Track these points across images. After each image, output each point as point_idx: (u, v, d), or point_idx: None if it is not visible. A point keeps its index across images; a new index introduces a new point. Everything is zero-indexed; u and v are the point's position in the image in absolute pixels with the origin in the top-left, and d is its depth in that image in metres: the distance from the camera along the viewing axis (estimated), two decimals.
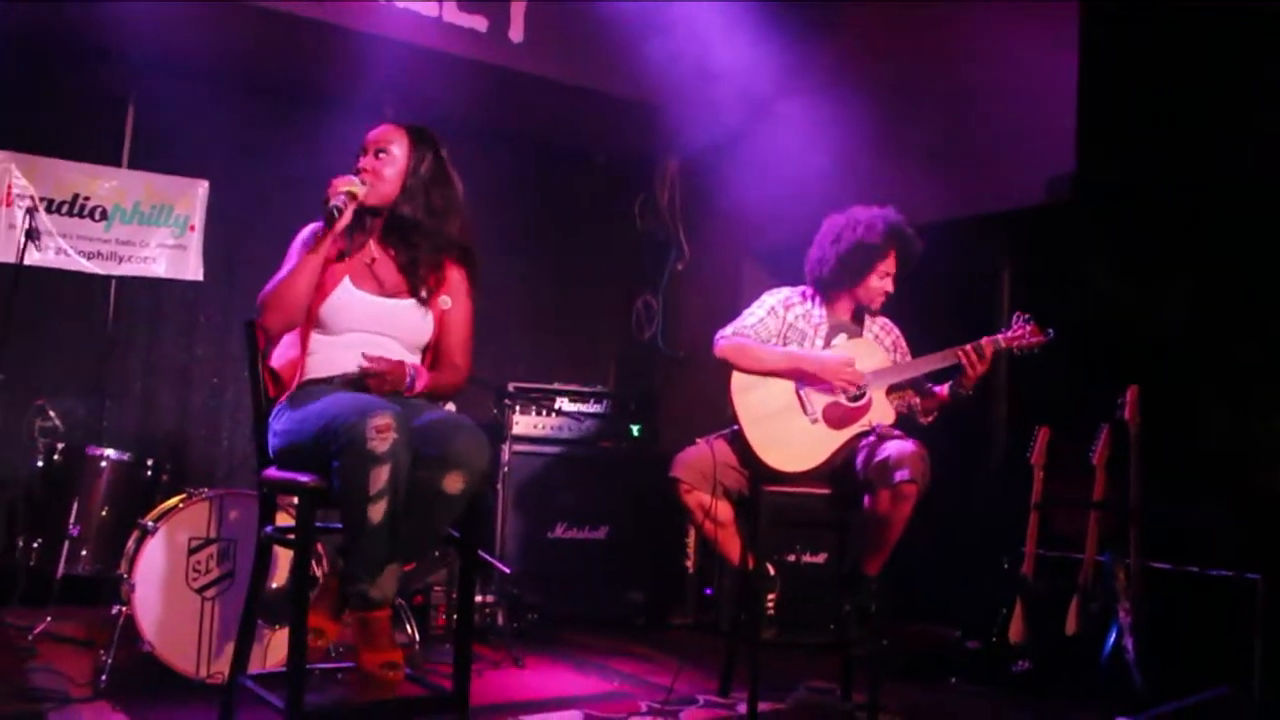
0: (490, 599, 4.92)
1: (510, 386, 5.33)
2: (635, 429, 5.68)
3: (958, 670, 4.45)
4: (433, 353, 3.13)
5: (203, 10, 4.74)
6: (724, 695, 4.09)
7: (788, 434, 3.82)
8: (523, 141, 6.26)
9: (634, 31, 5.36)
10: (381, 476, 2.52)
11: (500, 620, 4.83)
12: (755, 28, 5.37)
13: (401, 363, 2.93)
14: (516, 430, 5.32)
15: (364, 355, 2.89)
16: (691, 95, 5.59)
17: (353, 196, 2.92)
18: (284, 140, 5.59)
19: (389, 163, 3.03)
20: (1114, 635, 3.98)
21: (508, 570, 4.86)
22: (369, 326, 2.98)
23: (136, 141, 5.48)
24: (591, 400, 5.61)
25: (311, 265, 2.90)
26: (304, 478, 2.63)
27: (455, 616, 4.78)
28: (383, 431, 2.51)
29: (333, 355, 2.95)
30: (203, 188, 5.57)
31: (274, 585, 3.78)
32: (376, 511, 2.53)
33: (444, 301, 3.08)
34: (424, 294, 3.04)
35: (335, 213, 2.90)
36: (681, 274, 6.47)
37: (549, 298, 6.47)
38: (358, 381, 2.87)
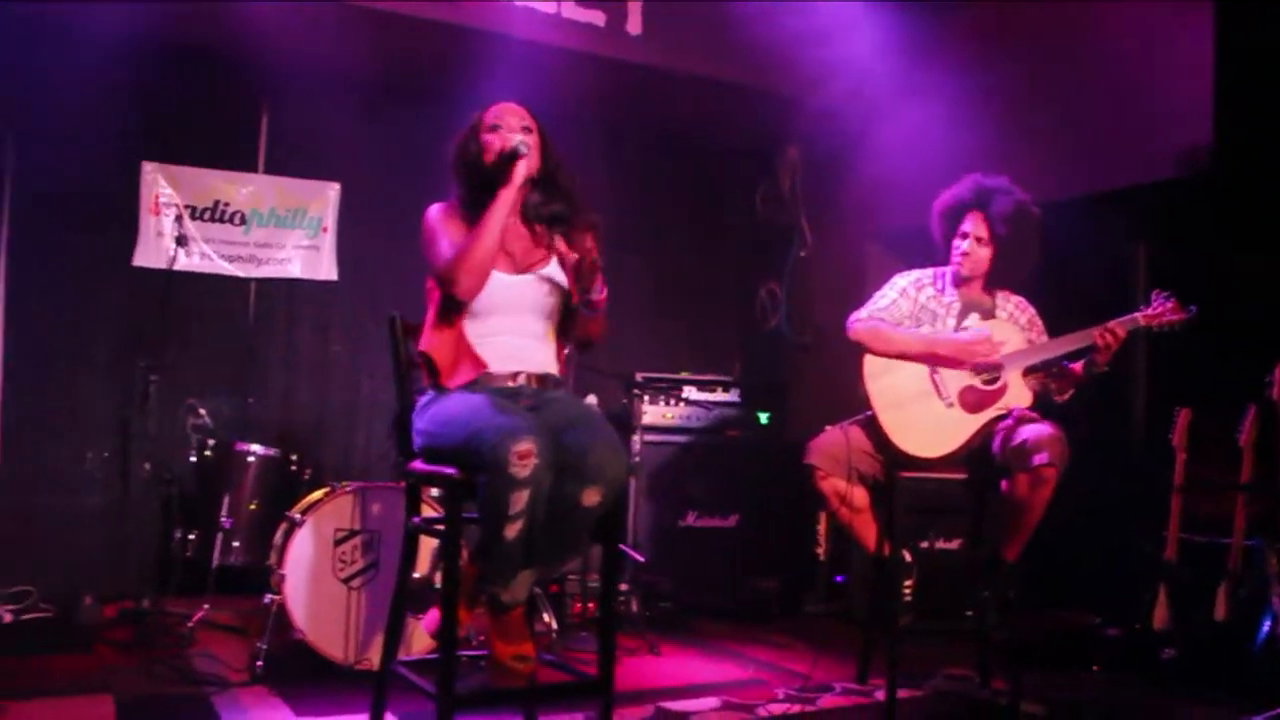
0: (624, 587, 4.98)
1: (638, 376, 5.37)
2: (763, 417, 5.68)
3: (1099, 658, 4.36)
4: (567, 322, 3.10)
5: (332, 19, 4.87)
6: (861, 682, 4.07)
7: (923, 419, 3.78)
8: (641, 134, 6.30)
9: (752, 18, 5.35)
10: (521, 499, 2.54)
11: (634, 608, 4.88)
12: (876, 9, 5.31)
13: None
14: (646, 420, 5.36)
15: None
16: (812, 80, 5.56)
17: (526, 145, 2.90)
18: (410, 140, 5.69)
19: (534, 137, 3.00)
20: (1268, 623, 3.85)
21: (642, 559, 4.92)
22: (511, 308, 2.97)
23: (271, 148, 5.66)
24: (719, 389, 5.63)
25: (499, 214, 2.86)
26: (450, 470, 2.69)
27: (591, 605, 4.92)
28: (525, 458, 2.52)
29: (481, 347, 2.95)
30: (334, 190, 5.72)
31: (413, 575, 3.88)
32: (512, 530, 2.57)
33: (572, 257, 3.00)
34: (559, 257, 3.02)
35: (523, 148, 2.87)
36: (805, 261, 6.42)
37: (672, 288, 6.49)
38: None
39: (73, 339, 5.24)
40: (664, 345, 6.27)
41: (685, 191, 6.59)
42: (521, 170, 2.89)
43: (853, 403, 3.94)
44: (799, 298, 6.47)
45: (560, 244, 3.01)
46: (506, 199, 2.87)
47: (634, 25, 5.43)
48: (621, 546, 4.65)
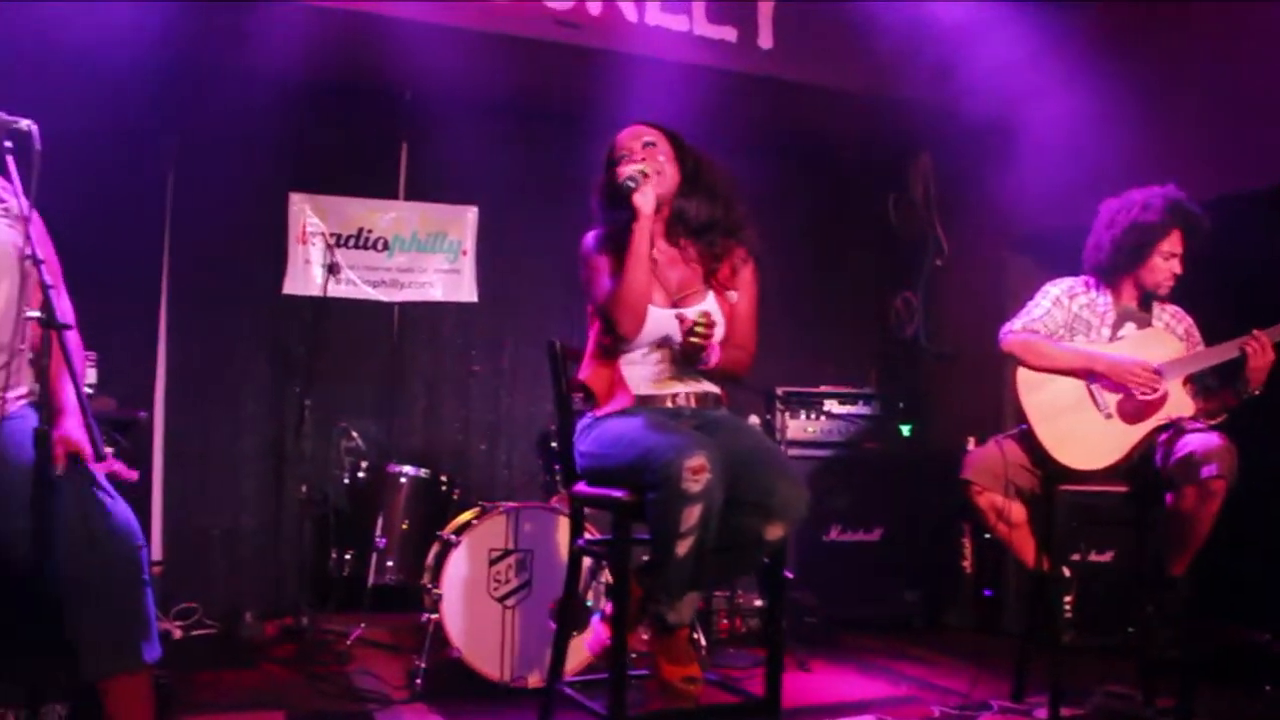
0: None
1: (779, 391, 5.36)
2: (905, 429, 5.62)
3: (1270, 676, 4.19)
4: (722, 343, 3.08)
5: (470, 49, 4.97)
6: (1018, 700, 3.98)
7: (1081, 431, 3.69)
8: (772, 146, 6.27)
9: (883, 26, 5.30)
10: (693, 515, 2.54)
11: (785, 625, 4.84)
12: (1010, 10, 5.22)
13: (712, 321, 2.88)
14: (789, 435, 5.35)
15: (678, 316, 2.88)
16: (944, 86, 5.49)
17: (644, 174, 2.90)
18: (546, 163, 5.80)
19: (659, 153, 3.01)
20: None
21: (789, 575, 4.89)
22: (663, 338, 2.97)
23: (411, 175, 5.80)
24: (860, 402, 5.59)
25: (642, 256, 2.86)
26: (617, 493, 2.71)
27: (739, 621, 4.92)
28: (697, 472, 2.52)
29: (633, 373, 2.98)
30: (472, 213, 5.83)
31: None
32: (684, 547, 2.56)
33: (731, 296, 3.05)
34: (714, 290, 3.03)
35: (630, 185, 2.86)
36: (941, 269, 6.33)
37: (806, 300, 6.45)
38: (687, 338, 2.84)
39: (228, 365, 5.43)
40: (800, 358, 6.23)
41: (817, 202, 6.54)
42: (644, 200, 2.88)
43: (996, 413, 3.88)
44: (936, 307, 6.38)
45: (720, 270, 3.01)
46: (640, 233, 2.88)
47: (765, 39, 5.42)
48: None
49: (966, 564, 5.59)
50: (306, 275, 5.53)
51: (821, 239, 6.59)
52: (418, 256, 5.74)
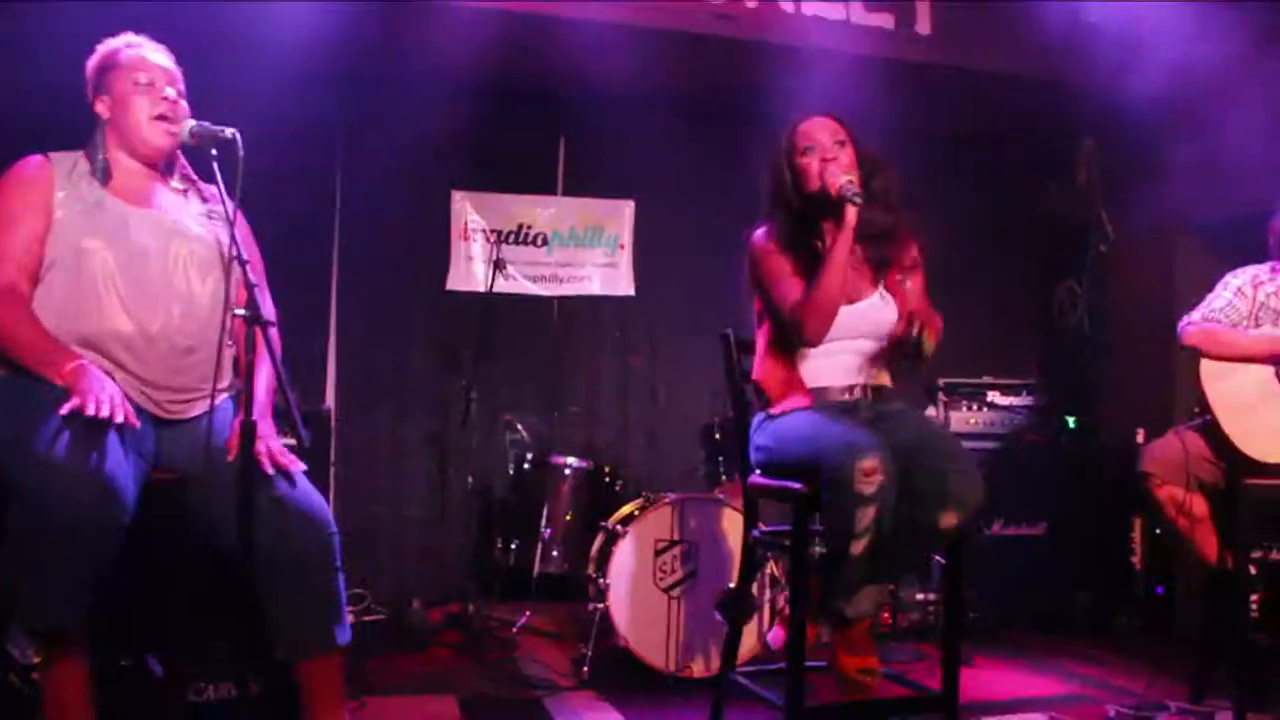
0: (932, 597, 4.90)
1: (940, 382, 5.27)
2: (1070, 421, 5.47)
3: None
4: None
5: (627, 44, 5.01)
6: (1196, 702, 3.84)
7: (1270, 422, 3.53)
8: (930, 133, 6.17)
9: (1044, 9, 5.16)
10: (867, 516, 2.52)
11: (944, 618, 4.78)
12: None
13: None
14: (950, 427, 5.26)
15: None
16: (1110, 67, 5.31)
17: (859, 195, 2.82)
18: (702, 155, 5.81)
19: (846, 153, 2.94)
20: None
21: (942, 562, 4.81)
22: (843, 334, 2.93)
23: (569, 171, 5.90)
24: (1023, 393, 5.46)
25: (841, 264, 2.81)
26: (794, 485, 2.71)
27: (901, 615, 4.87)
28: (870, 474, 2.50)
29: (807, 367, 2.98)
30: (629, 208, 5.89)
31: (729, 585, 3.95)
32: (858, 546, 2.54)
33: (901, 282, 3.01)
34: (887, 286, 3.00)
35: (856, 200, 2.79)
36: (1105, 256, 6.14)
37: (966, 289, 6.32)
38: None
39: (395, 359, 5.61)
40: (960, 348, 6.11)
41: (976, 189, 6.41)
42: (853, 214, 2.82)
43: (1167, 404, 3.75)
44: (1100, 295, 6.19)
45: (890, 272, 2.99)
46: (844, 243, 2.81)
47: (923, 25, 5.34)
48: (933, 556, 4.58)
49: (1136, 560, 5.40)
50: (469, 271, 5.66)
51: (980, 227, 6.45)
52: (576, 251, 5.83)
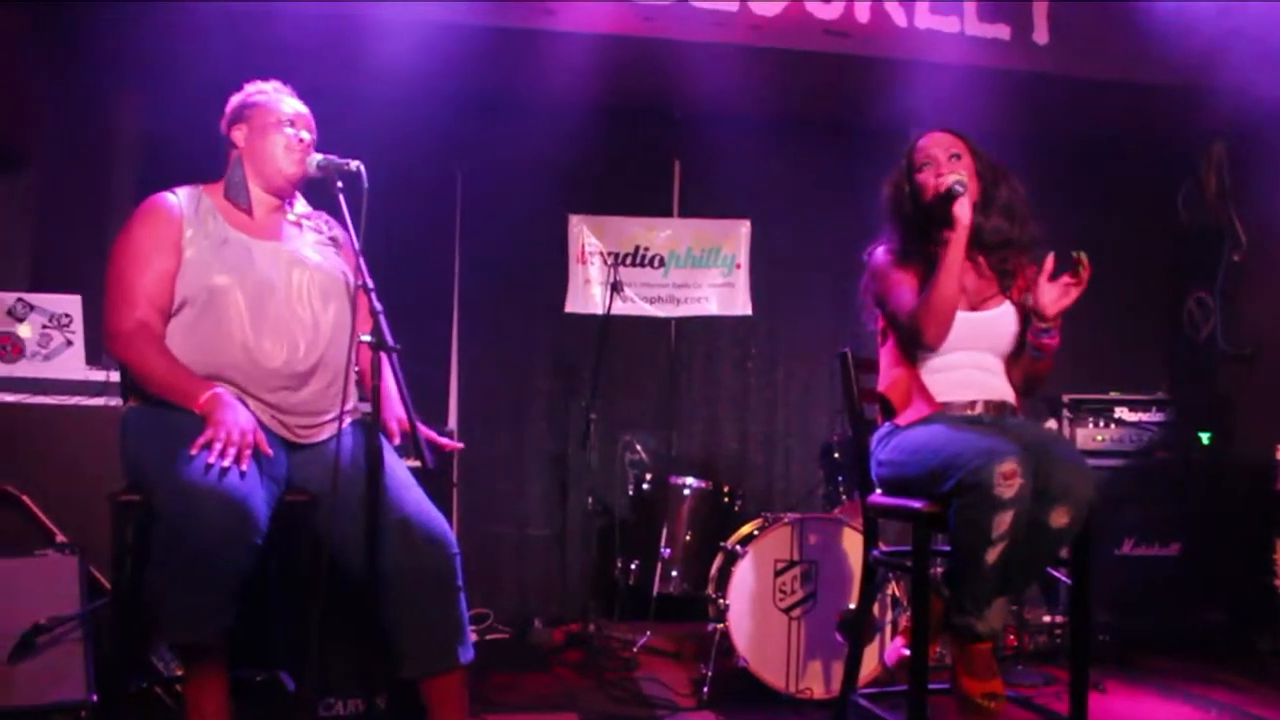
0: (1059, 619, 4.78)
1: (1065, 398, 5.15)
2: (1204, 436, 5.29)
3: None
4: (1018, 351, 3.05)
5: (739, 65, 5.04)
6: None
7: None
8: (1049, 143, 6.05)
9: (1167, 14, 5.03)
10: (1005, 521, 2.50)
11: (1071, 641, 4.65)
12: None
13: None
14: (1076, 443, 5.12)
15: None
16: (1242, 68, 5.14)
17: (964, 185, 2.87)
18: (817, 172, 5.81)
19: (964, 165, 2.97)
20: None
21: (1066, 581, 4.69)
22: (966, 344, 2.95)
23: (684, 192, 5.93)
24: (1153, 408, 5.30)
25: (956, 266, 2.84)
26: (917, 504, 2.69)
27: (1027, 636, 4.76)
28: (1010, 478, 2.48)
29: (932, 381, 2.97)
30: (745, 227, 5.89)
31: (850, 605, 3.92)
32: (993, 554, 2.52)
33: (1028, 299, 2.98)
34: (1012, 297, 2.99)
35: (959, 188, 2.84)
36: (1239, 265, 5.93)
37: (1090, 301, 6.13)
38: None
39: (516, 381, 5.70)
40: (1086, 363, 5.96)
41: (1099, 199, 6.24)
42: (964, 211, 2.85)
43: None
44: (1234, 305, 5.98)
45: (1015, 283, 2.96)
46: (958, 243, 2.84)
47: (1041, 35, 5.25)
48: (1056, 574, 4.47)
49: (1278, 581, 5.19)
50: (586, 294, 5.73)
51: (1105, 236, 6.27)
52: (693, 272, 5.86)
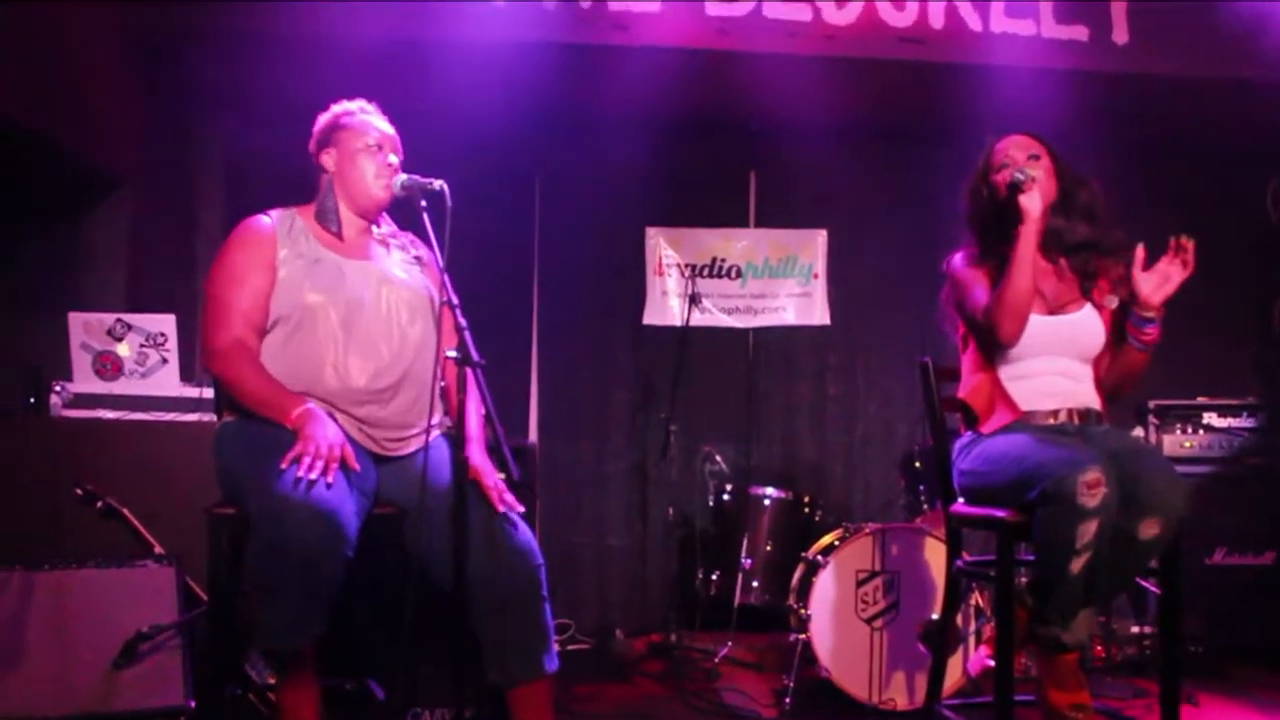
0: (1147, 629, 4.69)
1: (1151, 404, 5.06)
2: None
3: None
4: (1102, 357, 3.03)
5: (813, 75, 5.04)
6: None
7: None
8: (1130, 143, 5.95)
9: (1251, 8, 4.94)
10: (1089, 531, 2.48)
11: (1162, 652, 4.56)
12: None
13: None
14: (1164, 450, 5.03)
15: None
16: None
17: (1028, 176, 2.86)
18: (894, 181, 5.79)
19: (1041, 166, 2.97)
20: None
21: (1156, 591, 4.59)
22: (1047, 349, 2.94)
23: (760, 202, 5.94)
24: (1243, 414, 5.18)
25: (1028, 259, 2.83)
26: (1000, 513, 2.67)
27: (1115, 649, 4.68)
28: (1094, 487, 2.46)
29: (1014, 388, 2.95)
30: (822, 236, 5.88)
31: (932, 616, 3.89)
32: (1078, 564, 2.50)
33: (1110, 301, 2.98)
34: (1094, 300, 2.97)
35: (1019, 177, 2.84)
36: None
37: (1176, 304, 6.00)
38: None
39: (595, 393, 5.75)
40: (1172, 367, 5.83)
41: (1183, 199, 6.12)
42: (1031, 203, 2.84)
43: None
44: None
45: (1097, 285, 2.93)
46: (1027, 235, 2.83)
47: (1120, 34, 5.17)
48: (1145, 583, 4.39)
49: None
50: (664, 306, 5.77)
51: (1190, 238, 6.16)
52: (770, 282, 5.86)
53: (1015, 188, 2.85)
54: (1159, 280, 2.84)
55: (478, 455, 2.75)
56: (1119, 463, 2.61)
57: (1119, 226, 3.02)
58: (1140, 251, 2.85)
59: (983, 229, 3.03)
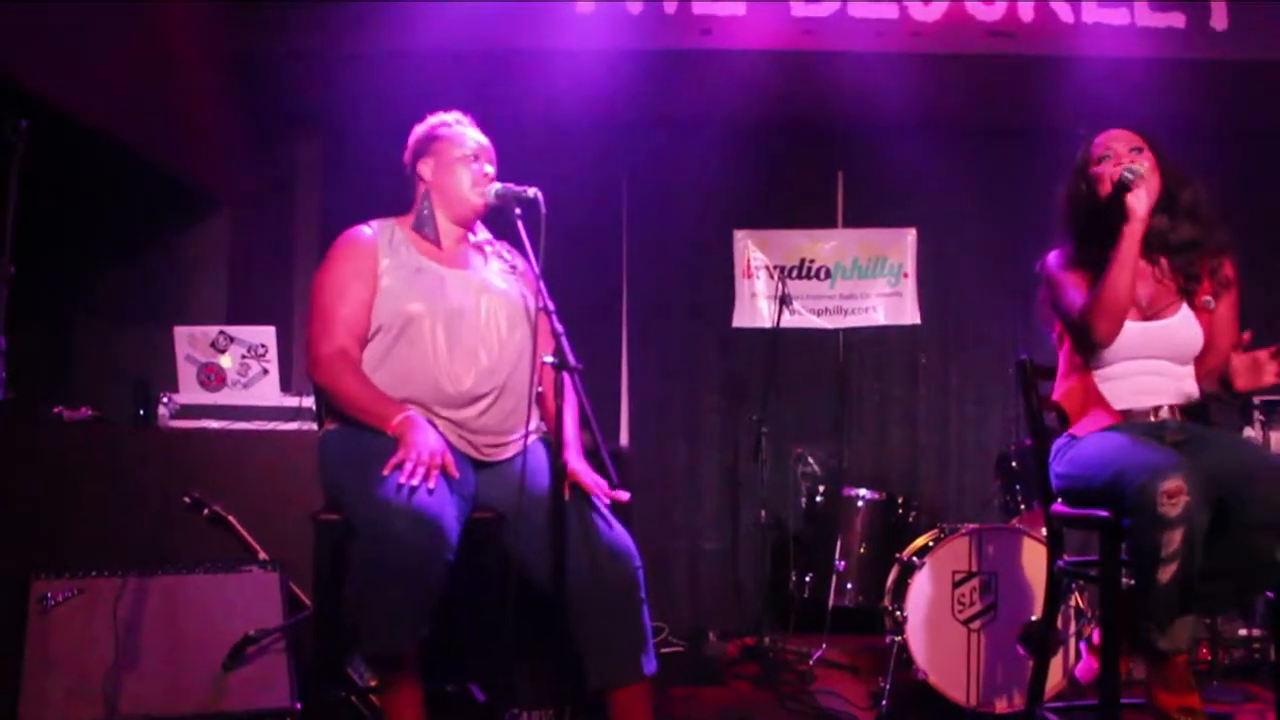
0: (1256, 632, 4.56)
1: (1256, 400, 4.92)
2: None
3: None
4: (1204, 357, 2.95)
5: (901, 73, 5.00)
6: None
7: None
8: (1230, 132, 5.79)
9: None
10: (1174, 540, 2.41)
11: (1273, 657, 4.44)
12: None
13: None
14: (1272, 448, 4.88)
15: None
16: None
17: (1137, 174, 2.77)
18: (984, 178, 5.72)
19: (1146, 158, 2.87)
20: None
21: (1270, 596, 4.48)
22: (1140, 353, 2.87)
23: (848, 203, 5.91)
24: None
25: (1130, 259, 2.76)
26: (1102, 513, 2.63)
27: (1219, 651, 4.56)
28: (1174, 496, 2.40)
29: (1110, 389, 2.90)
30: (911, 235, 5.84)
31: (1031, 617, 3.83)
32: (1166, 573, 2.44)
33: (1207, 303, 2.89)
34: (1193, 303, 2.89)
35: (1129, 174, 2.75)
36: None
37: (1260, 297, 5.86)
38: None
39: (686, 396, 5.79)
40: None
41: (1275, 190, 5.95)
42: (1139, 201, 2.76)
43: None
44: None
45: (1200, 290, 2.87)
46: (1132, 234, 2.76)
47: (1219, 20, 5.04)
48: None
49: None
50: (753, 308, 5.77)
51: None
52: (859, 283, 5.83)
53: (1123, 185, 2.77)
54: (1249, 366, 2.78)
55: (575, 459, 2.78)
56: (1251, 484, 2.53)
57: (1222, 227, 2.93)
58: (1245, 336, 2.77)
59: (1079, 228, 2.95)
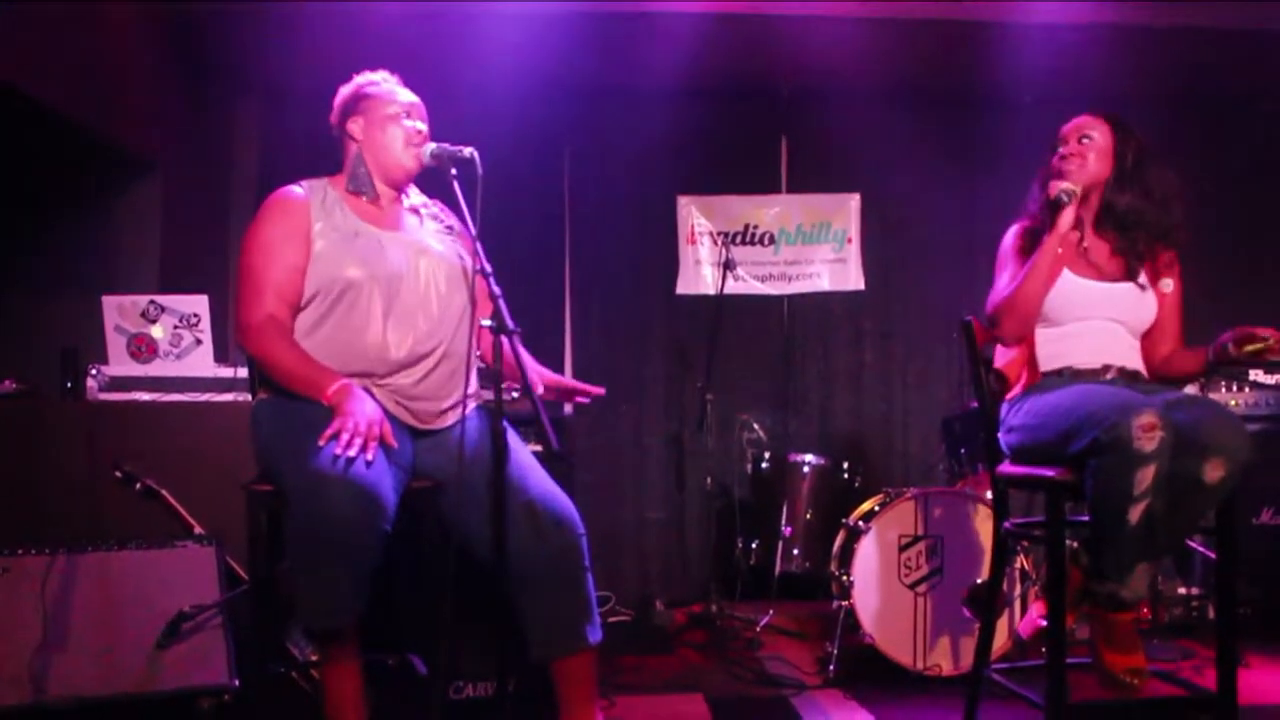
0: (1194, 590, 4.62)
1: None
2: None
3: None
4: (1151, 336, 3.00)
5: (848, 37, 4.96)
6: None
7: None
8: (1189, 100, 5.80)
9: None
10: (1146, 477, 2.42)
11: (1211, 615, 4.51)
12: None
13: None
14: None
15: None
16: None
17: (1072, 195, 2.85)
18: (929, 145, 5.69)
19: (1092, 148, 2.94)
20: None
21: (1209, 554, 4.52)
22: (1093, 313, 2.90)
23: (792, 168, 5.87)
24: None
25: (1044, 269, 2.83)
26: (1049, 472, 2.62)
27: (1158, 609, 4.62)
28: (1149, 430, 2.40)
29: (1060, 348, 2.91)
30: (855, 201, 5.82)
31: (977, 580, 3.85)
32: (1135, 513, 2.44)
33: (1165, 285, 2.96)
34: (1143, 279, 2.93)
35: (1064, 197, 2.82)
36: None
37: (1238, 263, 5.91)
38: None
39: (630, 364, 5.73)
40: (1217, 322, 5.68)
41: (1243, 155, 5.97)
42: (1064, 219, 2.83)
43: None
44: None
45: (1142, 267, 2.90)
46: (1049, 245, 2.82)
47: None
48: (1195, 545, 4.33)
49: None
50: (697, 274, 5.73)
51: (1248, 195, 6.00)
52: (803, 249, 5.81)
53: (1054, 204, 2.84)
54: (1245, 339, 2.77)
55: (544, 377, 2.91)
56: (1175, 409, 2.56)
57: (1174, 213, 2.95)
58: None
59: (1035, 211, 3.02)
